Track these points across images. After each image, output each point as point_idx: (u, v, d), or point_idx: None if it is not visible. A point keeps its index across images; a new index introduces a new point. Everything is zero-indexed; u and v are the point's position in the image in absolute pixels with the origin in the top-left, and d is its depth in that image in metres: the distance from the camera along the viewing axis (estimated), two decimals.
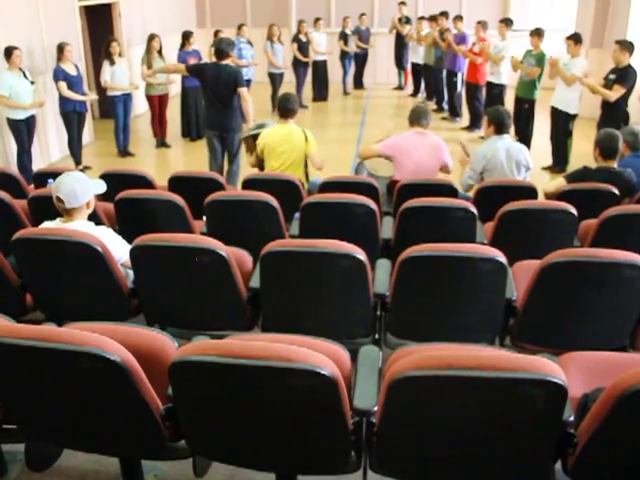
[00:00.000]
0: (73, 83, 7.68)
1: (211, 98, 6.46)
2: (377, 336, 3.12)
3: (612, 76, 6.85)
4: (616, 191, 4.19)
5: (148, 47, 8.79)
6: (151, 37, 8.77)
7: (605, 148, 4.54)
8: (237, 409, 1.93)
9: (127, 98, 8.57)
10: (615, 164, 4.58)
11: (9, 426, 2.35)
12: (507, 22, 9.32)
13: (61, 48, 7.56)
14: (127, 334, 2.23)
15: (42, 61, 8.22)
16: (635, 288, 2.78)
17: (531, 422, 1.81)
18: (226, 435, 2.05)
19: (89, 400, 2.04)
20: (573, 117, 7.66)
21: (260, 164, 5.45)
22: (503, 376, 1.67)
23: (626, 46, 6.76)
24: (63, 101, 7.69)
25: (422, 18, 12.20)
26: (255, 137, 5.52)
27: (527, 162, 4.95)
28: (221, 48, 6.41)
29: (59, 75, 7.56)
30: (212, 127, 6.60)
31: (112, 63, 8.24)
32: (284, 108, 5.24)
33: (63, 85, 7.56)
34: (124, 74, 8.42)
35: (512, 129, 8.38)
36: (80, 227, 3.18)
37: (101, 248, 2.95)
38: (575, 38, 7.53)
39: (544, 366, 1.69)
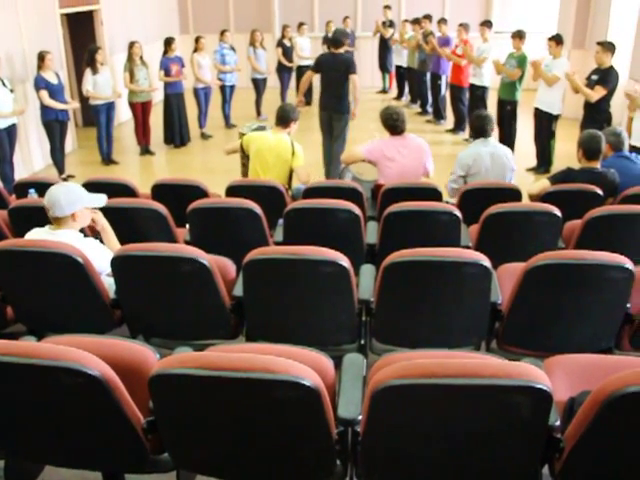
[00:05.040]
0: (54, 92, 7.60)
1: (325, 83, 7.20)
2: (363, 342, 3.09)
3: (594, 77, 6.88)
4: (600, 192, 4.20)
5: (129, 54, 8.76)
6: (131, 44, 8.72)
7: (588, 149, 4.56)
8: (219, 422, 1.90)
9: (110, 106, 8.50)
10: (598, 165, 4.59)
11: None
12: (487, 24, 9.36)
13: (42, 57, 7.48)
14: (108, 347, 2.20)
15: (23, 69, 8.14)
16: (620, 289, 2.78)
17: (517, 428, 1.80)
18: (209, 448, 2.02)
19: (69, 415, 2.01)
20: (556, 118, 7.70)
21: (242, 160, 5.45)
22: (487, 383, 1.65)
23: (608, 47, 6.79)
24: (45, 110, 7.61)
25: (406, 21, 12.24)
26: None
27: (511, 165, 4.97)
28: (336, 38, 7.17)
29: (40, 84, 7.49)
30: (324, 108, 7.33)
31: (95, 72, 8.17)
32: (281, 116, 5.26)
33: (44, 94, 7.48)
34: (107, 82, 8.34)
35: (496, 131, 8.49)
36: (66, 237, 3.13)
37: (82, 259, 2.91)
38: (557, 39, 7.56)
39: (529, 372, 1.68)
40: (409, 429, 1.83)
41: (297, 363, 1.76)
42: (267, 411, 1.82)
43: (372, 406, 1.76)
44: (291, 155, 5.16)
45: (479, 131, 4.98)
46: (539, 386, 1.65)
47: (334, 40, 7.18)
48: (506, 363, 1.75)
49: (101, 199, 3.41)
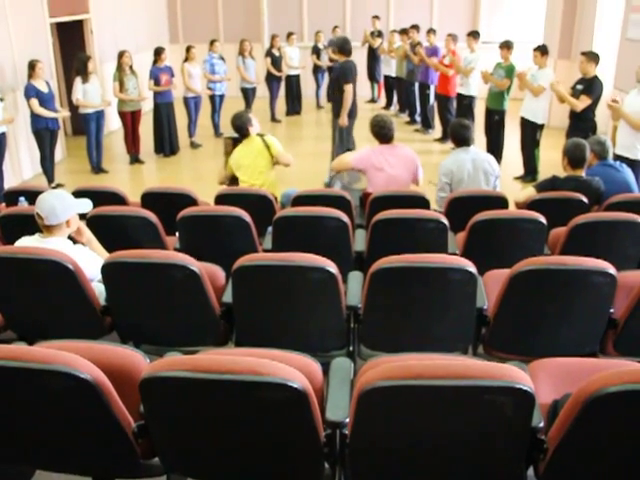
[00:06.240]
0: (45, 100, 7.62)
1: (355, 90, 7.44)
2: (351, 348, 3.13)
3: (579, 86, 6.96)
4: (585, 199, 4.26)
5: (119, 64, 8.79)
6: (121, 54, 8.76)
7: (573, 157, 4.61)
8: (208, 424, 1.93)
9: (100, 115, 8.53)
10: (583, 173, 4.65)
11: None
12: (474, 35, 9.44)
13: (32, 65, 7.50)
14: (98, 352, 2.22)
15: (12, 78, 8.16)
16: (603, 294, 2.83)
17: (501, 429, 1.83)
18: (199, 451, 2.04)
19: (60, 419, 2.03)
20: (540, 127, 7.79)
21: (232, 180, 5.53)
22: (471, 384, 1.69)
23: (592, 57, 6.88)
24: (35, 118, 7.63)
25: (394, 31, 12.33)
26: (235, 140, 5.66)
27: (494, 170, 5.01)
28: (348, 48, 7.34)
29: (31, 92, 7.50)
30: (355, 116, 7.69)
31: (85, 81, 8.19)
32: (239, 130, 5.41)
33: (35, 102, 7.50)
34: (96, 91, 8.37)
35: (484, 140, 8.57)
36: (57, 244, 3.16)
37: (72, 265, 2.93)
38: (542, 49, 7.66)
39: (511, 374, 1.72)
40: (395, 430, 1.86)
41: (285, 365, 1.79)
42: (255, 413, 1.84)
43: (359, 408, 1.79)
44: (266, 148, 5.34)
45: (460, 140, 5.02)
46: (520, 386, 1.69)
47: (347, 50, 7.32)
48: (489, 365, 1.78)
49: (87, 204, 3.45)
